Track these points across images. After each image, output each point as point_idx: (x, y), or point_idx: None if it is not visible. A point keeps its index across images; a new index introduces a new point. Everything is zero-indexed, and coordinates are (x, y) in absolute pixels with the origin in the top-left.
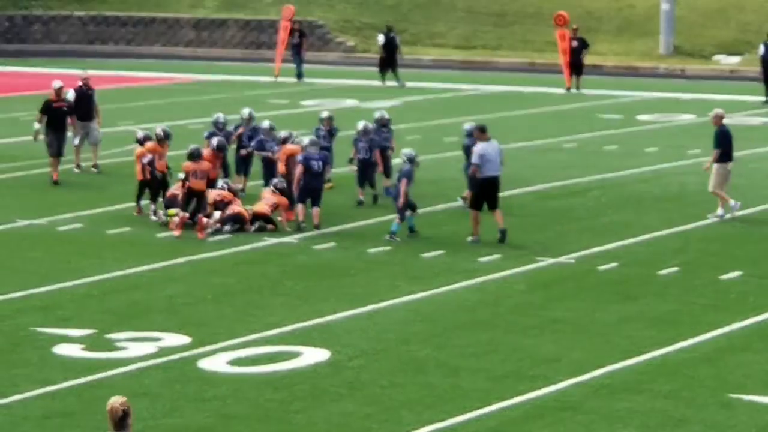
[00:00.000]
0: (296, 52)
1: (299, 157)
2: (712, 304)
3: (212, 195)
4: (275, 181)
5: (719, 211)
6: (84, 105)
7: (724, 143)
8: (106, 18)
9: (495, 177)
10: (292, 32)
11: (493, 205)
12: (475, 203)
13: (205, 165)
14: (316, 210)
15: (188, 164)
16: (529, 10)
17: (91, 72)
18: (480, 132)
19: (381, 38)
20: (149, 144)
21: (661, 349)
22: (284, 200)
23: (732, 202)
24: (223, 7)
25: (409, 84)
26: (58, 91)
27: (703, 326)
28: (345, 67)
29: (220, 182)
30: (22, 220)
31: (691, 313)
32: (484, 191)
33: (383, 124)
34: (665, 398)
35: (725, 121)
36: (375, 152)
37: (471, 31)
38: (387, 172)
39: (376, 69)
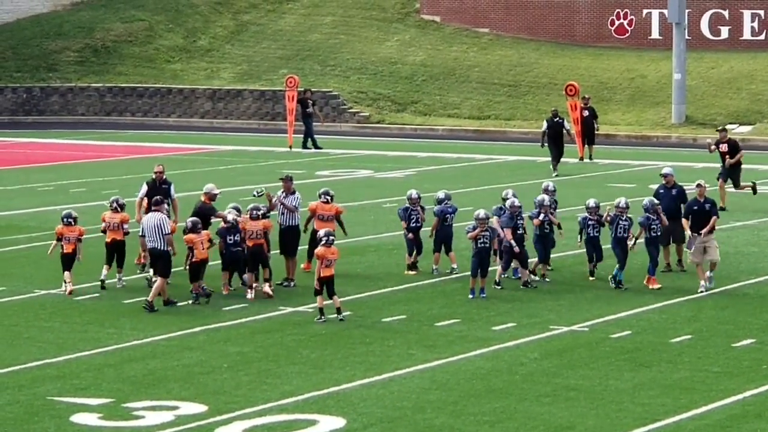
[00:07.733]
0: (309, 122)
1: (437, 210)
2: (726, 371)
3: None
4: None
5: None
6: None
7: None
8: (123, 89)
9: (293, 227)
10: (304, 102)
11: (292, 253)
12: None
13: (77, 231)
14: (452, 254)
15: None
16: (542, 81)
17: (110, 143)
18: (285, 181)
19: (545, 124)
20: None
21: (675, 417)
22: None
23: None
24: (239, 78)
25: (422, 154)
26: (212, 197)
27: (717, 393)
28: (359, 138)
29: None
30: (40, 290)
31: (705, 380)
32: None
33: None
34: None
35: None
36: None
37: (484, 102)
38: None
39: (397, 140)
